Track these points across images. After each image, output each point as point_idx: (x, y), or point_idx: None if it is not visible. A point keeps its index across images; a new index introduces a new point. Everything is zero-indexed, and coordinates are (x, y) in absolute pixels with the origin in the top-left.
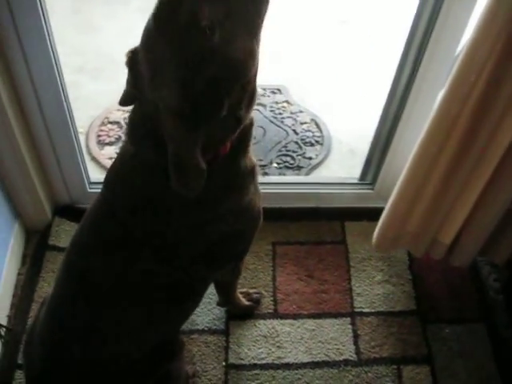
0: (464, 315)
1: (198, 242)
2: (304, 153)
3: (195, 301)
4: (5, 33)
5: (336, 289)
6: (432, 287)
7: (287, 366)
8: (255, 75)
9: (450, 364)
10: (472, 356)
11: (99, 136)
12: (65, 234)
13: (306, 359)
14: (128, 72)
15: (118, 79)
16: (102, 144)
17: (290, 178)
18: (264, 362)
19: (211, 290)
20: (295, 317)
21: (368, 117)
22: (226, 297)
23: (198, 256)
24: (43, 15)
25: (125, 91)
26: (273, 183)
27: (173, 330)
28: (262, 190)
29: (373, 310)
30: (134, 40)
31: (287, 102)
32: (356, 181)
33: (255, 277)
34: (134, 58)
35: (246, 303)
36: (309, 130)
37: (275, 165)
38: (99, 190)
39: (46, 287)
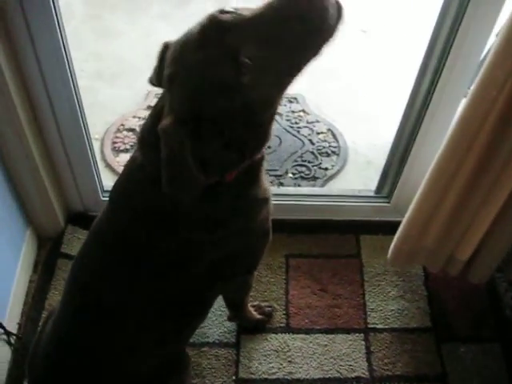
0: (480, 334)
1: (204, 257)
2: (320, 163)
3: (197, 315)
4: (18, 39)
5: (349, 304)
6: (447, 304)
7: (298, 382)
8: (270, 121)
9: (464, 383)
10: (487, 376)
11: (114, 143)
12: (77, 242)
13: (317, 375)
14: (156, 61)
15: (136, 86)
16: (117, 151)
17: (305, 189)
18: (275, 377)
19: (223, 302)
20: (307, 331)
21: (386, 128)
22: (236, 312)
23: (205, 270)
24: (57, 19)
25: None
26: (287, 195)
27: (178, 345)
28: (276, 201)
29: (386, 327)
30: (153, 46)
31: (304, 111)
32: (372, 193)
33: (268, 290)
34: (164, 52)
35: (258, 317)
36: (325, 140)
37: (290, 175)
38: None
39: (57, 295)
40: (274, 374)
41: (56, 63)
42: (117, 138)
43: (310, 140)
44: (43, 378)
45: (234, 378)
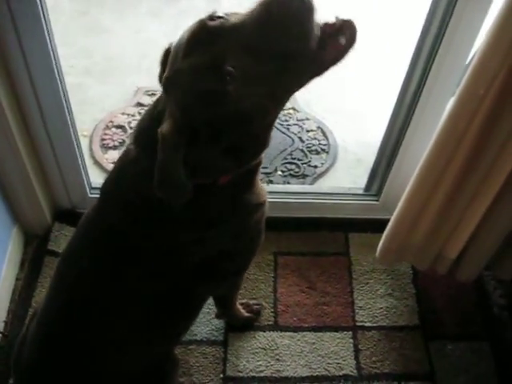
0: (468, 331)
1: (193, 256)
2: (309, 161)
3: (186, 316)
4: (4, 35)
5: (338, 301)
6: (436, 302)
7: (286, 380)
8: (268, 130)
9: (452, 381)
10: (475, 373)
11: (103, 140)
12: (64, 239)
13: (305, 373)
14: (160, 66)
15: (125, 83)
16: (105, 148)
17: (294, 187)
18: (262, 374)
19: (210, 300)
20: (295, 329)
21: (375, 126)
22: (224, 309)
23: (193, 270)
24: (43, 14)
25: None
26: (276, 192)
27: (166, 346)
28: None
29: (375, 324)
30: (142, 43)
31: (293, 108)
32: (361, 191)
33: (256, 287)
34: (166, 56)
35: (246, 315)
36: (315, 138)
37: (280, 172)
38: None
39: (43, 293)
40: (261, 371)
41: (43, 59)
42: (105, 134)
43: (299, 138)
44: (29, 376)
45: (221, 375)
